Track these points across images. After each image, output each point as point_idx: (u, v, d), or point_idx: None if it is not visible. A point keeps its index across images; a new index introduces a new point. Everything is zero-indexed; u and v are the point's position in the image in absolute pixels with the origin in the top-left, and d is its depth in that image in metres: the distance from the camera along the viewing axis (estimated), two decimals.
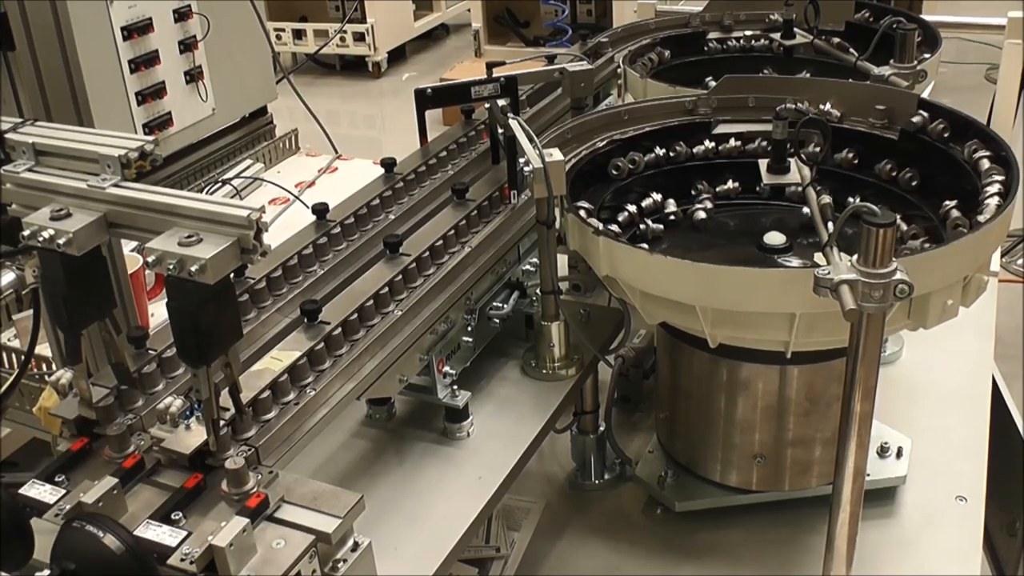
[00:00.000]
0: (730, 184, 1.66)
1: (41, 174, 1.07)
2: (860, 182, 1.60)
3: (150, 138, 1.08)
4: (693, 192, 1.66)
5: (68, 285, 1.03)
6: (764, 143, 1.64)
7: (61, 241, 1.00)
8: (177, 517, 1.01)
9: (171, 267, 0.93)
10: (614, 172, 1.62)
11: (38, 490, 1.05)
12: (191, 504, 1.04)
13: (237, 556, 0.95)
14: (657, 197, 1.62)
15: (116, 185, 1.03)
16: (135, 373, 1.18)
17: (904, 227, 1.47)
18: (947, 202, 1.46)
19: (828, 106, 1.63)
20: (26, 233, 1.01)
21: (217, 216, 0.96)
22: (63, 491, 1.04)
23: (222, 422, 1.09)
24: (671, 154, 1.67)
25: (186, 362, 1.00)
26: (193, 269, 0.92)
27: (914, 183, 1.54)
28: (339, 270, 1.44)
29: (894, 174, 1.58)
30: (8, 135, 1.09)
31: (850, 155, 1.62)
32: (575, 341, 1.54)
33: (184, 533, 0.99)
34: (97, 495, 1.00)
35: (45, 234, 1.00)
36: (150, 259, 0.95)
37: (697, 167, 1.67)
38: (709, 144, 1.68)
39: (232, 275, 0.97)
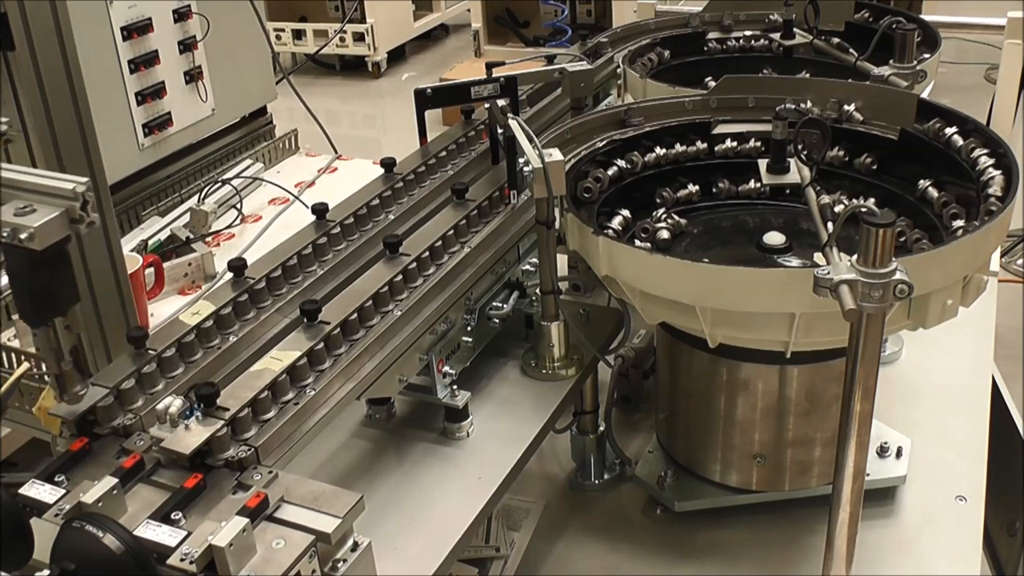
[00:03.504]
0: (727, 184, 1.66)
1: None
2: (858, 182, 1.60)
3: (4, 119, 1.13)
4: (688, 193, 1.66)
5: None
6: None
7: None
8: (177, 517, 1.01)
9: (5, 235, 1.01)
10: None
11: (38, 490, 1.05)
12: (191, 504, 1.04)
13: (237, 556, 0.95)
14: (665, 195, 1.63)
15: None
16: (135, 373, 1.18)
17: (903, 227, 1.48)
18: (947, 202, 1.46)
19: (852, 107, 1.62)
20: None
21: (48, 189, 1.03)
22: (63, 491, 1.04)
23: (222, 423, 1.10)
24: (681, 152, 1.67)
25: (25, 322, 1.09)
26: (23, 237, 1.00)
27: (912, 183, 1.54)
28: (339, 270, 1.44)
29: (893, 174, 1.58)
30: None
31: (846, 154, 1.62)
32: (575, 341, 1.54)
33: (184, 533, 0.98)
34: (97, 495, 1.00)
35: None
36: None
37: (693, 168, 1.67)
38: (712, 145, 1.68)
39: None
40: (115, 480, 1.02)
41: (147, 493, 1.06)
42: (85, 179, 1.02)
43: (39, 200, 1.03)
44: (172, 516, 1.01)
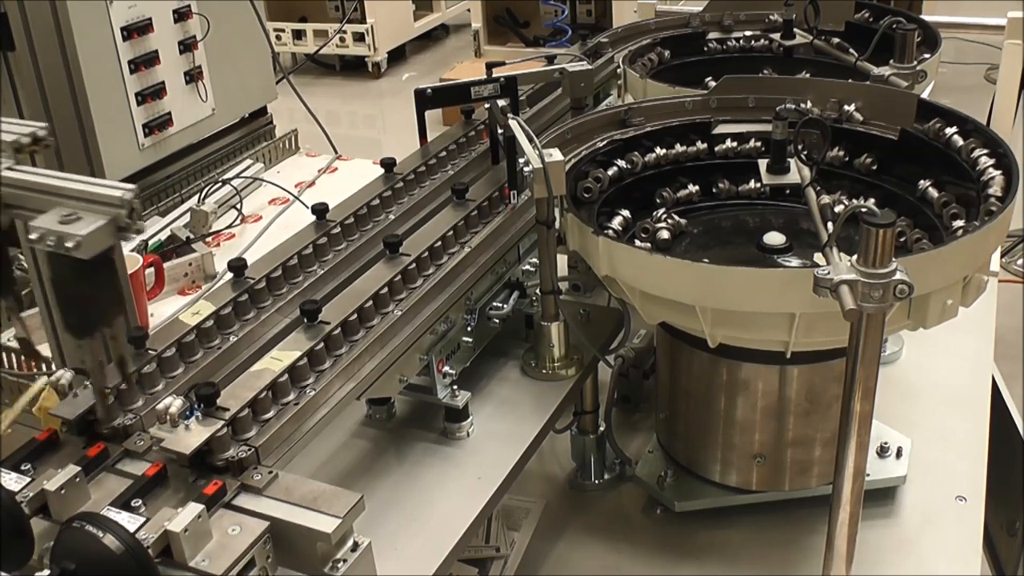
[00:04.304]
0: (727, 184, 1.66)
1: None
2: (858, 182, 1.60)
3: (42, 124, 1.12)
4: (689, 192, 1.66)
5: None
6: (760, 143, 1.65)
7: None
8: (137, 504, 1.02)
9: (50, 243, 0.97)
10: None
11: (3, 479, 1.05)
12: (152, 492, 1.05)
13: (192, 541, 0.96)
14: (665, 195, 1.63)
15: (9, 168, 1.07)
16: (135, 373, 1.18)
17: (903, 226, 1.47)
18: (947, 202, 1.46)
19: (852, 107, 1.62)
20: None
21: (94, 196, 1.01)
22: (28, 479, 1.05)
23: (222, 423, 1.10)
24: (681, 152, 1.67)
25: (69, 333, 1.06)
26: (69, 245, 0.97)
27: (912, 183, 1.54)
28: (339, 270, 1.44)
29: (893, 174, 1.58)
30: None
31: (846, 154, 1.62)
32: (575, 341, 1.54)
33: (142, 519, 0.99)
34: (60, 483, 1.01)
35: None
36: (33, 236, 0.99)
37: (693, 168, 1.67)
38: (712, 145, 1.68)
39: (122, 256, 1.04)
40: (78, 468, 1.03)
41: (111, 482, 1.07)
42: (132, 186, 1.00)
43: (84, 208, 1.00)
44: (132, 503, 1.02)
